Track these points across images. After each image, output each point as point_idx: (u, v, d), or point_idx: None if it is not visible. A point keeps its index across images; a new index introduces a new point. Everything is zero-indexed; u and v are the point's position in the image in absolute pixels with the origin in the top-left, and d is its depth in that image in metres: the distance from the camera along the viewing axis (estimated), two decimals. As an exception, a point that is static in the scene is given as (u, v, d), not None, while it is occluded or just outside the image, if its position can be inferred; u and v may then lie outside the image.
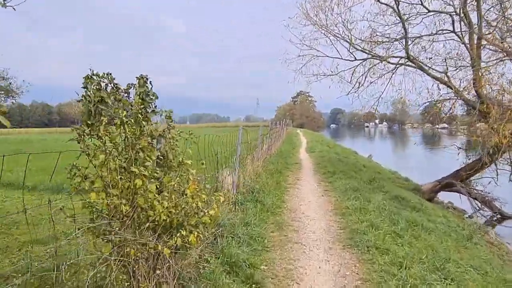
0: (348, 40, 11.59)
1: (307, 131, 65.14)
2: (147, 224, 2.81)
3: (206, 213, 3.08)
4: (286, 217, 6.99)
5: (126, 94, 2.93)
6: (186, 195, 3.01)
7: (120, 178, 2.66)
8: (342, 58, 11.68)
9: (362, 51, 11.72)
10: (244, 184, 7.62)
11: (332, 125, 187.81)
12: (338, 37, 11.62)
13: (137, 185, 2.67)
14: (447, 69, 11.18)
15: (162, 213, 2.77)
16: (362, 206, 7.71)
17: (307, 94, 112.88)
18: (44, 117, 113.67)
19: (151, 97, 3.00)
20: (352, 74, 12.17)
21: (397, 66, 11.57)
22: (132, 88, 2.95)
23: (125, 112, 2.73)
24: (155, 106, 3.07)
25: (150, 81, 3.00)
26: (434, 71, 11.18)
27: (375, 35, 11.53)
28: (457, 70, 11.19)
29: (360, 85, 11.96)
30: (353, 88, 12.10)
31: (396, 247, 5.42)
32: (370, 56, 11.60)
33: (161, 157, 3.10)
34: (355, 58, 11.64)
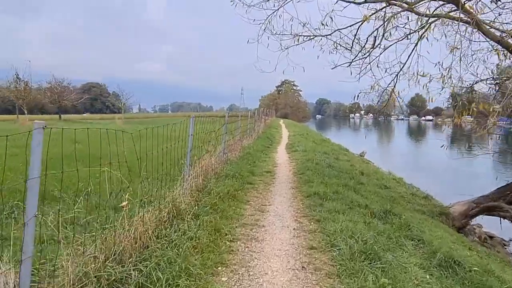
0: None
1: (291, 122, 60.56)
2: None
3: None
4: None
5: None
6: None
7: None
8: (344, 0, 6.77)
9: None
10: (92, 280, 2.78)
11: (317, 115, 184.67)
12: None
13: None
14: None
15: None
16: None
17: (292, 83, 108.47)
18: (7, 103, 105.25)
19: None
20: (355, 35, 7.41)
21: (430, 19, 6.82)
22: None
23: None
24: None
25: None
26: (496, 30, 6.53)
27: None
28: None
29: (369, 51, 7.22)
30: (356, 56, 7.35)
31: None
32: (386, 2, 6.83)
33: None
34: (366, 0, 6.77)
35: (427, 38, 6.57)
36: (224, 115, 11.26)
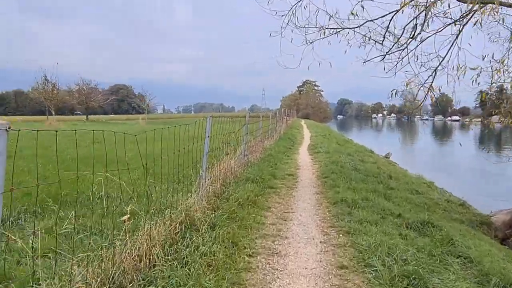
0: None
1: (313, 122, 59.62)
2: None
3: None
4: None
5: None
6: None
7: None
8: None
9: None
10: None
11: (339, 116, 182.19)
12: None
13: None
14: None
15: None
16: None
17: (313, 83, 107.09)
18: (41, 104, 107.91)
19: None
20: (388, 27, 6.71)
21: (478, 3, 6.03)
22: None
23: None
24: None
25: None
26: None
27: None
28: None
29: (407, 42, 6.49)
30: (390, 50, 6.63)
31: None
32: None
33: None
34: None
35: (480, 24, 5.79)
36: (245, 115, 10.73)
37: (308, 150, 16.59)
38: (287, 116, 32.79)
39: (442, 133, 69.21)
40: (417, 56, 6.73)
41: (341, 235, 5.23)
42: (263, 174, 8.63)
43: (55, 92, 41.67)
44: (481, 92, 7.35)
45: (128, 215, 3.03)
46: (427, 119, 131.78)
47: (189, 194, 4.82)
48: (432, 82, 6.64)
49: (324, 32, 6.91)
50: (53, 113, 41.12)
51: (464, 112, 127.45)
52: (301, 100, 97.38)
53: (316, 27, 6.92)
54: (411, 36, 6.31)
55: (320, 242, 4.98)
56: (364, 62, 6.77)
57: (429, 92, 6.68)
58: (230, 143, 7.87)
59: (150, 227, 3.39)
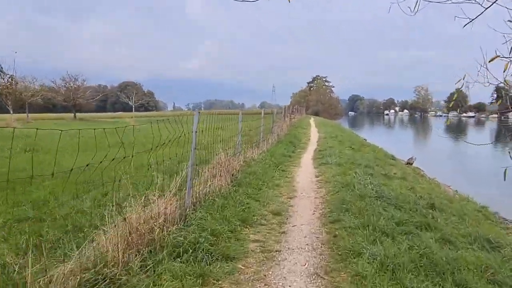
0: None
1: (322, 120, 55.34)
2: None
3: None
4: None
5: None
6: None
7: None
8: None
9: None
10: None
11: (350, 112, 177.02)
12: None
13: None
14: None
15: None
16: None
17: (324, 79, 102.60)
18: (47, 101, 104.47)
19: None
20: None
21: None
22: None
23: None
24: None
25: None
26: None
27: None
28: None
29: None
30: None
31: None
32: None
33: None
34: None
35: None
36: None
37: (313, 160, 12.66)
38: (292, 113, 28.74)
39: (459, 131, 63.93)
40: None
41: None
42: (223, 223, 4.81)
43: (12, 86, 36.19)
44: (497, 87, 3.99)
45: None
46: (440, 116, 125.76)
47: None
48: None
49: None
50: (11, 111, 36.48)
51: (479, 108, 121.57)
52: (311, 97, 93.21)
53: None
54: None
55: None
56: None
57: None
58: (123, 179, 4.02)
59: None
